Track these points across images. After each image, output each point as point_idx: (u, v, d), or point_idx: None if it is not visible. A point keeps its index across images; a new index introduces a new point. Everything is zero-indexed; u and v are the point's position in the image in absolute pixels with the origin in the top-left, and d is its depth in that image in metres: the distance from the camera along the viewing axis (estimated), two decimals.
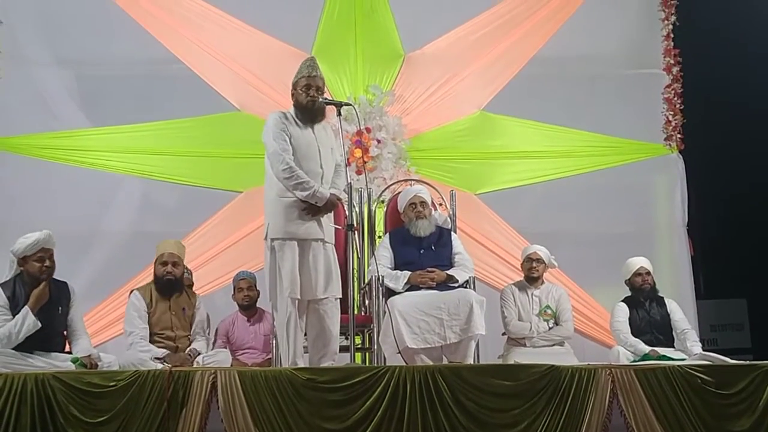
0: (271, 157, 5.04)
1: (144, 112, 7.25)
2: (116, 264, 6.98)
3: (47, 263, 5.10)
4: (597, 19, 7.76)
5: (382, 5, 7.58)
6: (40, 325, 4.95)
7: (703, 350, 5.97)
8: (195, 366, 5.30)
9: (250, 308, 6.23)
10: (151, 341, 5.48)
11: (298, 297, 4.96)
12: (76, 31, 7.28)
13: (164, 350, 5.43)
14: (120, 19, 7.31)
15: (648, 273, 6.30)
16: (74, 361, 4.95)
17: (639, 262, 6.34)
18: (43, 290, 5.03)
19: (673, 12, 7.82)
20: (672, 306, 6.30)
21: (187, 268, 6.11)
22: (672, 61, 7.78)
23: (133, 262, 6.85)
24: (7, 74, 7.14)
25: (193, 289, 6.06)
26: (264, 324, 6.14)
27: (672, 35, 7.81)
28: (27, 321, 4.92)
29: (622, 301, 6.33)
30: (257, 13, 7.43)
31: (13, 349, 4.91)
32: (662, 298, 6.33)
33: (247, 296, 6.20)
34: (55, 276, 5.19)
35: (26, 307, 4.96)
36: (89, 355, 5.04)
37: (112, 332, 6.77)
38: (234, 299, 6.28)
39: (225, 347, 6.04)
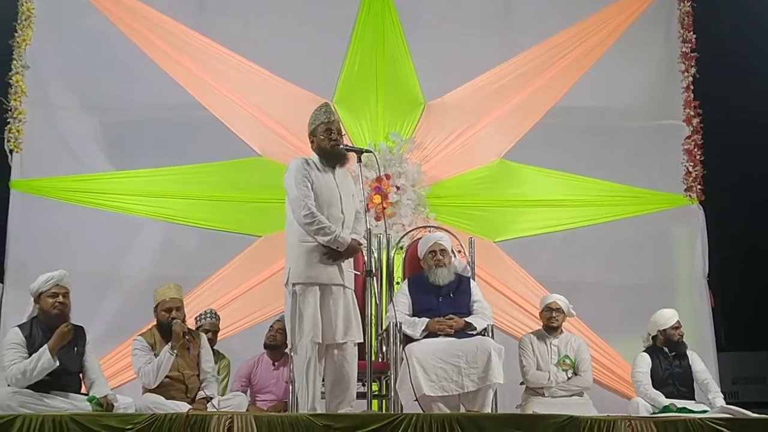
0: (293, 203, 5.06)
1: (166, 156, 7.33)
2: (135, 307, 6.93)
3: (60, 299, 5.13)
4: (617, 71, 7.81)
5: (403, 54, 7.66)
6: (57, 364, 4.94)
7: (725, 403, 5.90)
8: (211, 410, 5.28)
9: (274, 349, 6.22)
10: (160, 384, 5.43)
11: (319, 341, 4.94)
12: (102, 76, 7.40)
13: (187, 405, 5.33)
14: (145, 66, 7.43)
15: (681, 326, 6.27)
16: (91, 400, 4.96)
17: (674, 314, 6.30)
18: (65, 330, 5.02)
19: (693, 64, 7.86)
20: (693, 357, 6.26)
21: (214, 313, 6.25)
22: (692, 113, 7.79)
23: (152, 306, 6.85)
24: (32, 118, 7.23)
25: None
26: (288, 370, 6.12)
27: (692, 87, 7.84)
28: (43, 359, 4.91)
29: (645, 351, 6.28)
30: (280, 60, 7.52)
31: (29, 389, 4.91)
32: (684, 350, 6.29)
33: (272, 336, 6.23)
34: (74, 318, 5.21)
35: (45, 345, 4.96)
36: (106, 396, 5.04)
37: (130, 374, 6.72)
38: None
39: (245, 389, 6.03)
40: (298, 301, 4.97)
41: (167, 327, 5.51)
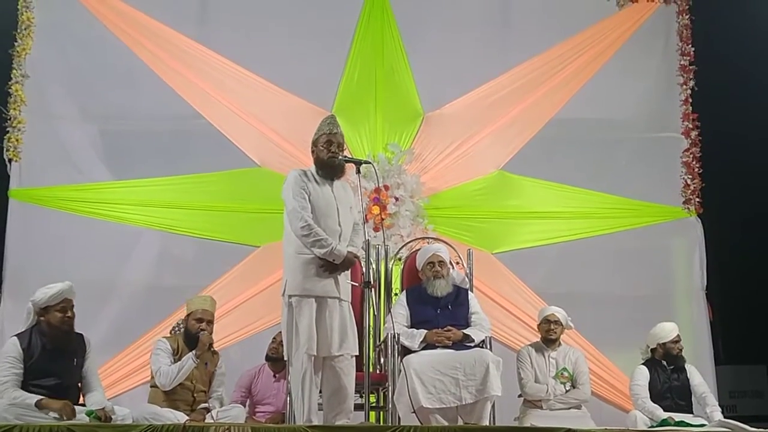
0: (290, 215, 5.07)
1: (166, 166, 7.33)
2: (132, 317, 6.98)
3: (69, 314, 5.12)
4: (615, 83, 7.82)
5: (402, 65, 7.68)
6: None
7: (723, 417, 5.89)
8: (208, 421, 5.26)
9: (276, 361, 6.22)
10: (171, 390, 5.44)
11: (315, 353, 4.93)
12: (101, 86, 7.40)
13: (185, 416, 5.32)
14: (144, 76, 7.44)
15: (680, 339, 6.27)
16: (89, 414, 4.93)
17: (674, 328, 6.29)
18: (65, 409, 4.87)
19: (691, 77, 7.88)
20: (692, 371, 6.25)
21: None
22: (690, 126, 7.81)
23: (150, 316, 6.89)
24: (32, 127, 7.23)
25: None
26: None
27: (690, 100, 7.86)
28: (28, 401, 4.86)
29: (643, 364, 6.27)
30: (279, 71, 7.53)
31: None
32: (683, 363, 6.28)
33: (274, 348, 6.21)
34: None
35: (40, 398, 4.88)
36: (103, 408, 5.01)
37: (127, 385, 6.77)
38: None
39: (244, 400, 6.03)
40: (294, 313, 4.97)
41: (194, 336, 5.54)
